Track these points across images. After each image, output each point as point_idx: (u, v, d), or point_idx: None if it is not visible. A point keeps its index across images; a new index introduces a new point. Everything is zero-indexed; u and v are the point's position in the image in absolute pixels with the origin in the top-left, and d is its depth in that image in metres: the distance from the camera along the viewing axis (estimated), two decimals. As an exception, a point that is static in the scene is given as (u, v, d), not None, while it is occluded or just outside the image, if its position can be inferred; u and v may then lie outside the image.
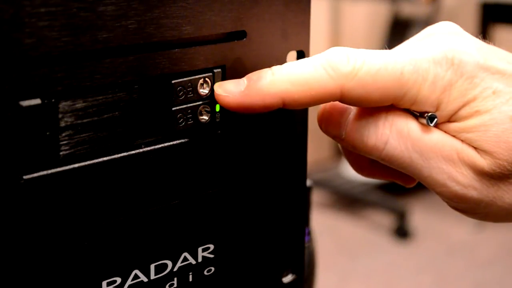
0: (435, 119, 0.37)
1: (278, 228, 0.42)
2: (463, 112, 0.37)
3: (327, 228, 2.71)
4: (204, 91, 0.37)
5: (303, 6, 0.40)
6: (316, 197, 2.88)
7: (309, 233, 0.58)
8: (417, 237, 2.67)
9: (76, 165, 0.33)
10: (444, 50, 0.37)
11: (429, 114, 0.37)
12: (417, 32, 0.41)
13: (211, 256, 0.39)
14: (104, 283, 0.35)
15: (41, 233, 0.33)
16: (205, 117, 0.37)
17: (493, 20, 2.71)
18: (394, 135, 0.38)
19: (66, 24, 0.31)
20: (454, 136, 0.38)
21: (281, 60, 0.39)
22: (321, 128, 0.40)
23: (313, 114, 0.41)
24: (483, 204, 0.38)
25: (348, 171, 2.97)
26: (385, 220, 2.75)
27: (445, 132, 0.38)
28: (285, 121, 0.41)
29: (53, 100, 0.32)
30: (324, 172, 3.03)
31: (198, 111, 0.37)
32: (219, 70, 0.37)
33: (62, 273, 0.33)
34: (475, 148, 0.37)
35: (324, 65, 0.36)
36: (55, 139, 0.32)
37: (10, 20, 0.30)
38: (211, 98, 0.37)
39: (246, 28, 0.38)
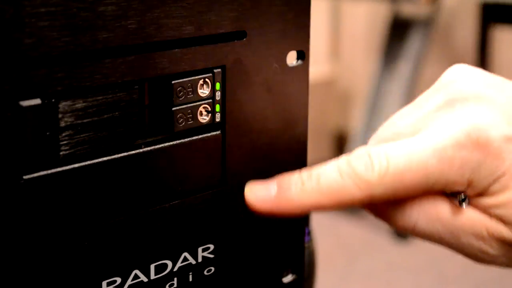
0: (467, 200, 0.37)
1: (278, 228, 0.42)
2: (493, 188, 0.37)
3: (327, 228, 2.71)
4: (204, 91, 0.37)
5: (303, 6, 0.40)
6: (316, 197, 2.87)
7: (309, 233, 0.58)
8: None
9: (76, 165, 0.33)
10: (467, 130, 0.36)
11: (461, 196, 0.37)
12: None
13: (211, 256, 0.39)
14: (104, 283, 0.35)
15: (41, 233, 0.33)
16: (205, 117, 0.37)
17: (493, 20, 2.70)
18: (422, 218, 0.38)
19: (66, 24, 0.31)
20: (483, 211, 0.37)
21: (281, 60, 0.39)
22: None
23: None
24: None
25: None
26: (385, 220, 2.75)
27: (475, 206, 0.38)
28: (285, 121, 0.41)
29: (53, 100, 0.32)
30: (324, 172, 3.02)
31: (198, 111, 0.37)
32: (219, 70, 0.37)
33: (62, 273, 0.33)
34: (504, 222, 0.37)
35: (350, 175, 0.36)
36: (55, 139, 0.32)
37: (10, 20, 0.30)
38: (211, 98, 0.37)
39: (246, 28, 0.38)
